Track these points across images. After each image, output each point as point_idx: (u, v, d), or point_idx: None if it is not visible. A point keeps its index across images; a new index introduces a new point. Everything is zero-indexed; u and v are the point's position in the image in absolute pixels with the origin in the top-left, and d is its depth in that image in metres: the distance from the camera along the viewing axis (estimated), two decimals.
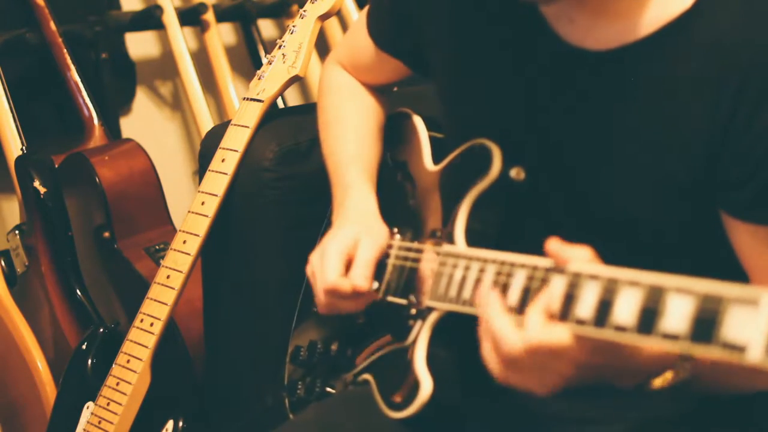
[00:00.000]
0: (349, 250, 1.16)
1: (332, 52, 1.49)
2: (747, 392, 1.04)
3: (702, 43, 0.99)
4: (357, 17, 1.43)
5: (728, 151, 0.98)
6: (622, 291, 0.82)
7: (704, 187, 1.01)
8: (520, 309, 0.92)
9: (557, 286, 0.88)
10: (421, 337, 1.10)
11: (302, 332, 1.37)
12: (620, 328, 0.82)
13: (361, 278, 1.14)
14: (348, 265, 1.16)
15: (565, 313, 0.87)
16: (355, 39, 1.40)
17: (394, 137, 1.36)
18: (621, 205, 1.06)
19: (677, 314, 0.78)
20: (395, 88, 1.48)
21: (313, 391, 1.29)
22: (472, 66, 1.16)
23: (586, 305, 0.85)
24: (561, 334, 0.86)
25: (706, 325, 0.76)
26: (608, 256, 0.89)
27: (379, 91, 1.42)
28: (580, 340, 0.87)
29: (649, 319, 0.80)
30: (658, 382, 0.93)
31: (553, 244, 0.91)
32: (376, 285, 1.17)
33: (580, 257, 0.89)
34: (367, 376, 1.19)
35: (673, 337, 0.78)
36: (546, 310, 0.88)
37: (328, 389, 1.27)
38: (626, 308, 0.82)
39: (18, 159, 1.92)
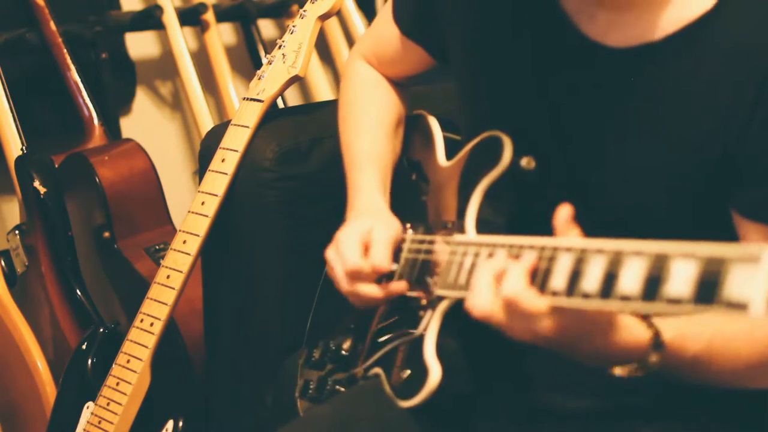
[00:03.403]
0: (365, 235, 1.17)
1: (356, 44, 1.50)
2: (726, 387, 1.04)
3: (722, 45, 0.99)
4: (381, 9, 1.43)
5: (743, 152, 0.99)
6: (627, 261, 0.83)
7: (717, 186, 1.02)
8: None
9: (564, 262, 0.89)
10: (431, 326, 1.10)
11: (315, 335, 1.37)
12: (626, 298, 0.82)
13: (381, 257, 1.14)
14: (365, 255, 1.16)
15: (570, 288, 0.88)
16: (380, 29, 1.42)
17: (410, 139, 1.37)
18: (633, 198, 1.07)
19: (681, 279, 0.78)
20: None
21: (323, 390, 1.29)
22: (491, 58, 1.17)
23: (592, 279, 0.86)
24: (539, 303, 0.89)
25: (709, 286, 0.76)
26: None
27: (401, 85, 1.43)
28: (557, 313, 0.89)
29: (653, 286, 0.80)
30: (619, 371, 0.94)
31: (566, 212, 0.91)
32: (395, 266, 1.17)
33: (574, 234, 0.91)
34: (377, 370, 1.19)
35: (676, 302, 0.78)
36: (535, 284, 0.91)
37: (338, 387, 1.27)
38: (631, 278, 0.82)
39: (18, 159, 1.92)
